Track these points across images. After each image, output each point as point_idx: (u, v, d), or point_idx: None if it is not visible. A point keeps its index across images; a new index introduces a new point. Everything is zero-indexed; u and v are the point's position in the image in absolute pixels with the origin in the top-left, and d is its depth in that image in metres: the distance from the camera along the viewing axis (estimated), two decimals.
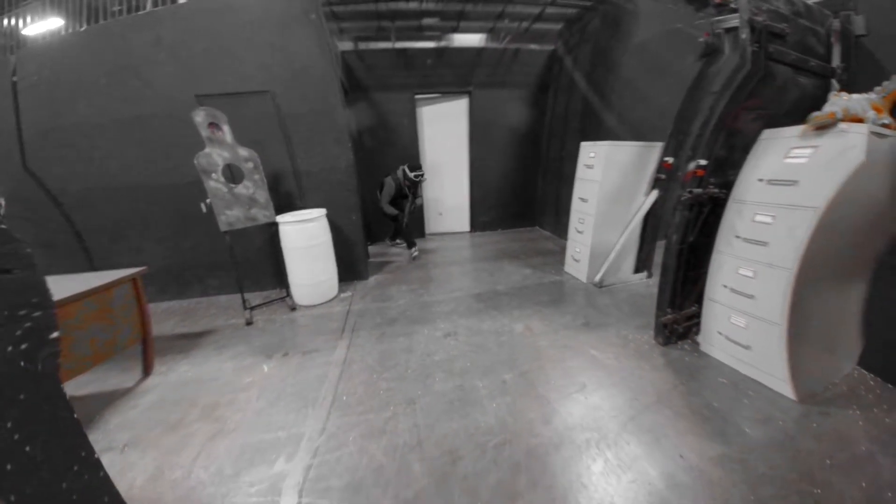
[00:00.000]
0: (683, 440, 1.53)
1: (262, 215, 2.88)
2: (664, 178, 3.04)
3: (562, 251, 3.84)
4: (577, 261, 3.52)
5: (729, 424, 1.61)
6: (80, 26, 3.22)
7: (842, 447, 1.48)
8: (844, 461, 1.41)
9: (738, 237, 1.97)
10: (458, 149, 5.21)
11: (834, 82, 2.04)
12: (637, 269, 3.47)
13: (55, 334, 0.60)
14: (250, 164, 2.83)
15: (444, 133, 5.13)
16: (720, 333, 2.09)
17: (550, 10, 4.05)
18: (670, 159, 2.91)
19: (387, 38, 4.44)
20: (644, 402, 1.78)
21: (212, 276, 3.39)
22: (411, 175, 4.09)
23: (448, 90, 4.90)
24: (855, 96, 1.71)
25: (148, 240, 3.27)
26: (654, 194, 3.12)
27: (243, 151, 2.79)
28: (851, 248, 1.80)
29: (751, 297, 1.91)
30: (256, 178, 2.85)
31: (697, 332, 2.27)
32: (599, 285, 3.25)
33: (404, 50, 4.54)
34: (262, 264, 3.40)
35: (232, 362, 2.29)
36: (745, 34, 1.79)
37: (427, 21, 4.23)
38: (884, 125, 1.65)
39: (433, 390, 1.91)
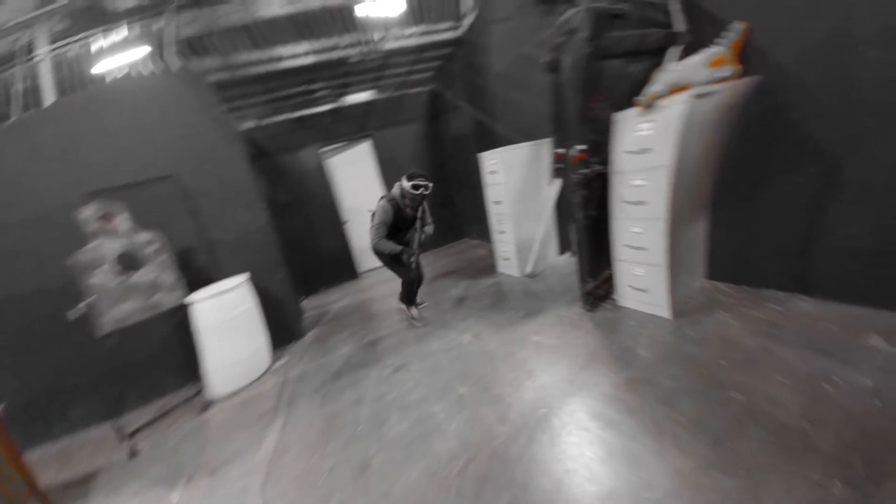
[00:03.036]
0: (605, 379, 1.82)
1: (167, 300, 2.61)
2: (561, 167, 3.39)
3: (492, 254, 4.04)
4: (506, 259, 3.72)
5: (633, 354, 1.96)
6: None
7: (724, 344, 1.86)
8: (738, 359, 1.72)
9: (625, 202, 2.27)
10: (372, 186, 5.36)
11: (669, 53, 2.31)
12: (562, 251, 3.77)
13: None
14: (153, 248, 2.60)
15: (356, 175, 5.32)
16: (629, 286, 2.39)
17: (417, 66, 4.77)
18: (561, 150, 3.26)
19: (284, 112, 4.87)
20: (580, 365, 1.97)
21: (80, 402, 2.74)
22: (408, 186, 2.77)
23: (350, 138, 5.22)
24: (690, 60, 1.95)
25: None
26: (557, 183, 3.45)
27: (144, 236, 2.58)
28: (694, 192, 2.21)
29: (643, 249, 2.21)
30: (162, 260, 2.62)
31: (614, 291, 2.53)
32: (532, 275, 3.46)
33: (302, 117, 4.96)
34: (165, 362, 2.92)
35: None
36: (584, 33, 2.02)
37: (319, 94, 4.76)
38: (721, 79, 1.87)
39: (388, 439, 1.80)
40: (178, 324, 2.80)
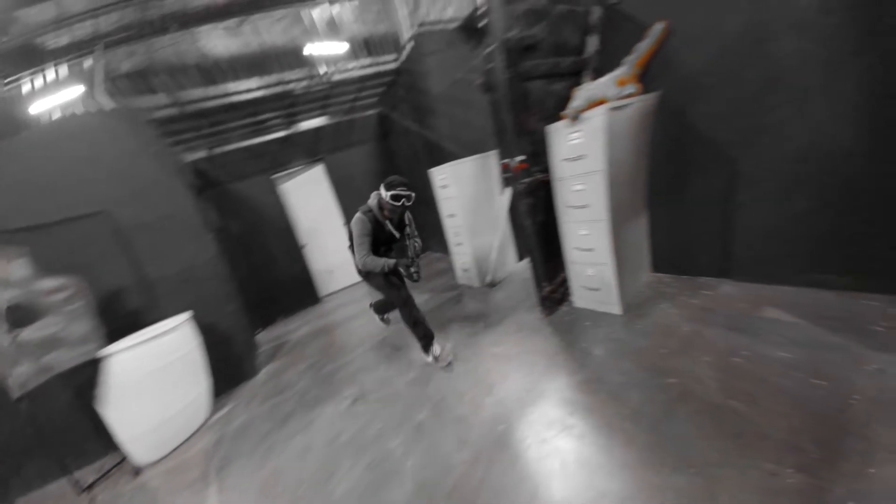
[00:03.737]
0: (562, 384, 1.77)
1: (70, 356, 2.17)
2: (510, 177, 3.38)
3: (452, 267, 3.94)
4: (466, 270, 3.64)
5: (587, 355, 1.93)
6: None
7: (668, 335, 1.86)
8: (676, 347, 1.76)
9: (569, 206, 2.28)
10: (328, 208, 5.18)
11: (585, 75, 2.43)
12: (520, 258, 3.74)
13: None
14: (62, 295, 2.22)
15: (312, 198, 5.11)
16: (582, 287, 2.38)
17: (363, 92, 4.89)
18: (507, 160, 3.26)
19: (233, 141, 4.71)
20: (538, 372, 1.90)
21: (30, 463, 2.34)
22: (387, 197, 2.27)
23: (302, 163, 5.04)
24: (600, 80, 2.10)
25: None
26: (508, 192, 3.43)
27: (49, 283, 2.19)
28: (631, 193, 2.27)
29: (591, 250, 2.22)
30: (73, 309, 2.24)
31: (570, 293, 2.51)
32: (491, 285, 3.39)
33: (252, 146, 4.77)
34: (89, 423, 2.42)
35: None
36: (496, 59, 2.08)
37: (268, 123, 4.73)
38: (629, 95, 2.03)
39: (335, 497, 1.51)
40: (87, 383, 2.26)
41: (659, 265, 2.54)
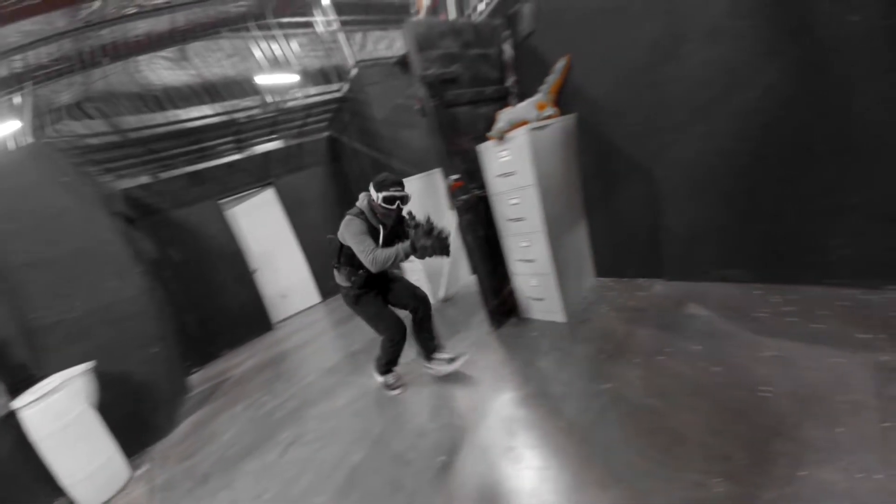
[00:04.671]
0: (505, 401, 1.66)
1: None
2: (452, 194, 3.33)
3: None
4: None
5: (532, 367, 1.86)
6: None
7: (608, 340, 1.83)
8: (612, 350, 1.73)
9: (508, 220, 2.24)
10: (281, 231, 4.87)
11: (510, 99, 2.52)
12: (473, 272, 3.65)
13: None
14: None
15: (263, 222, 4.78)
16: (528, 297, 2.33)
17: (311, 118, 4.79)
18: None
19: (177, 167, 4.37)
20: (484, 391, 1.79)
21: None
22: (379, 199, 1.80)
23: (252, 187, 4.75)
24: (521, 105, 2.16)
25: None
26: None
27: None
28: (566, 203, 2.28)
29: (533, 261, 2.18)
30: None
31: (517, 305, 2.43)
32: (445, 300, 3.27)
33: (197, 171, 4.44)
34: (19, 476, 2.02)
35: None
36: (421, 92, 2.07)
37: (215, 149, 4.46)
38: (548, 117, 2.11)
39: None
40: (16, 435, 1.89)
41: (601, 270, 2.56)
